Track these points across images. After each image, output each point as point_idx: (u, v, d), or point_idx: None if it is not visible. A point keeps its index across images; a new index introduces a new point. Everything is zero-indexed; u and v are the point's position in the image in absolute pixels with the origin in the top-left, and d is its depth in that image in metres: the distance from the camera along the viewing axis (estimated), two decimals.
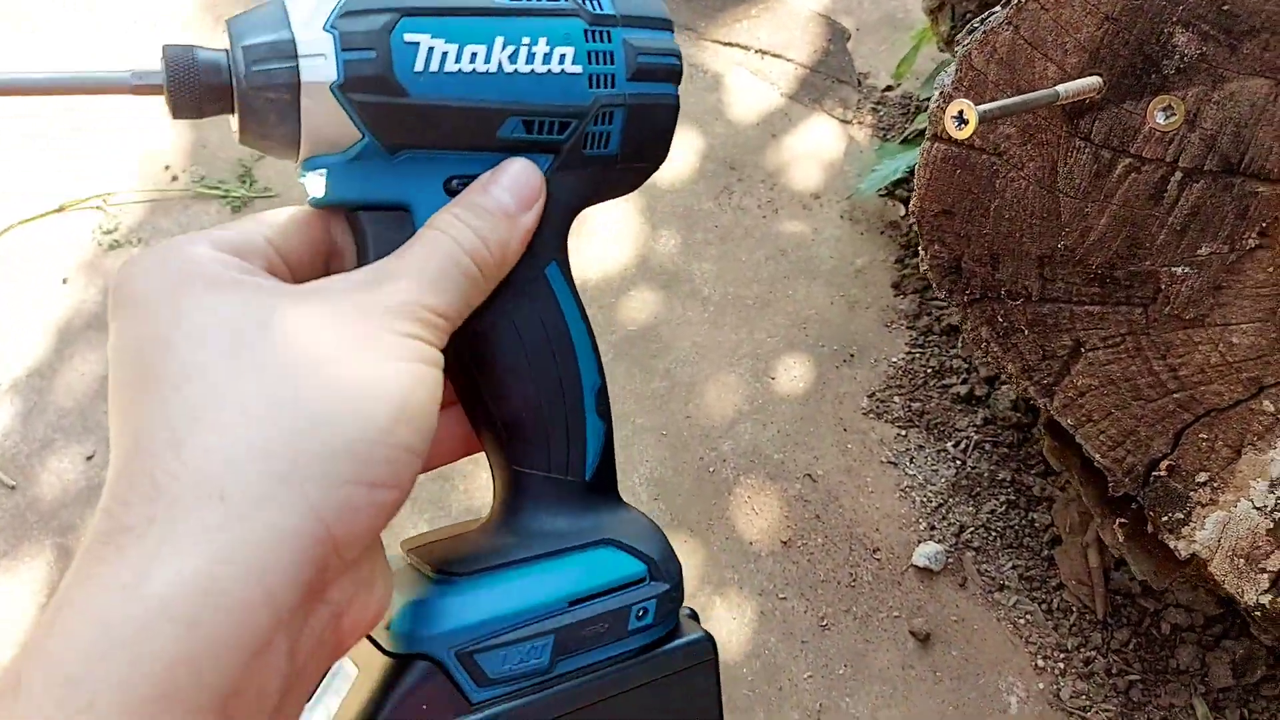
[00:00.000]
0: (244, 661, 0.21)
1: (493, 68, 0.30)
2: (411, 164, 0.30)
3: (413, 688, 0.29)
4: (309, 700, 0.31)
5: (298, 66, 0.28)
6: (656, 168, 0.36)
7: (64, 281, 1.52)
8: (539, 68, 0.31)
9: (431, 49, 0.29)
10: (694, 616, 0.37)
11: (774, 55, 1.73)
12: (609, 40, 0.32)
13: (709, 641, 0.35)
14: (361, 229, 0.31)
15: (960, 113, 0.60)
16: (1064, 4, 0.67)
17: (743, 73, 1.72)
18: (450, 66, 0.29)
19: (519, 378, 0.33)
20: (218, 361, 0.24)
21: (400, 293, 0.27)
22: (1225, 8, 0.62)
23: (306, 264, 0.31)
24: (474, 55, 0.30)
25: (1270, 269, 0.67)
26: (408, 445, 0.25)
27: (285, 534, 0.22)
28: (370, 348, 0.25)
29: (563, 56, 0.31)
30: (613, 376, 1.40)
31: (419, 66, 0.29)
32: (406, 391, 0.25)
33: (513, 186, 0.31)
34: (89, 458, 1.36)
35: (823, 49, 1.73)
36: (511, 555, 0.33)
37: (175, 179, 1.63)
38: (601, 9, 0.32)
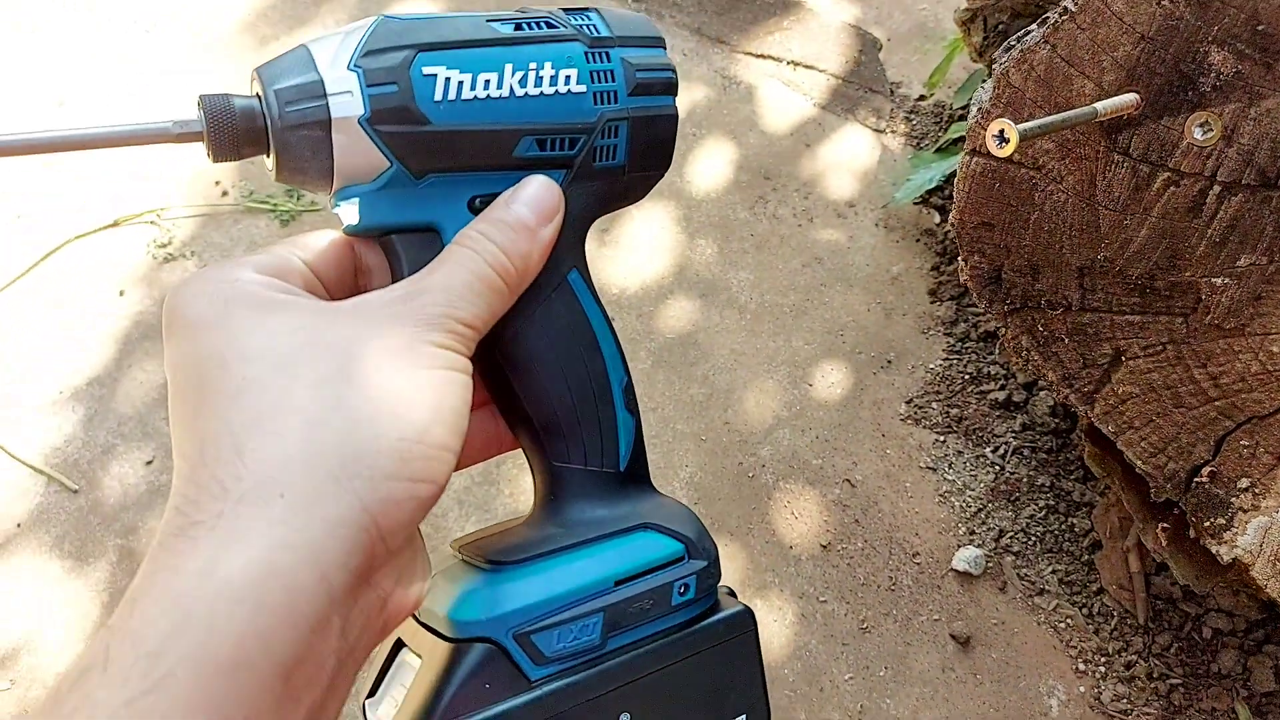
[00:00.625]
0: (303, 637, 0.24)
1: (505, 92, 0.33)
2: (437, 187, 0.33)
3: (475, 669, 0.32)
4: (373, 696, 0.34)
5: (327, 104, 0.31)
6: (662, 175, 0.38)
7: (120, 294, 1.57)
8: (547, 89, 0.33)
9: (448, 79, 0.32)
10: (731, 594, 0.39)
11: (806, 66, 1.75)
12: (608, 60, 0.35)
13: (749, 614, 0.37)
14: (394, 250, 0.34)
15: (1001, 132, 0.62)
16: (1100, 23, 0.69)
17: (775, 84, 1.74)
18: (466, 94, 0.32)
19: (551, 378, 0.35)
20: (270, 374, 0.26)
21: (431, 306, 0.30)
22: (1260, 28, 0.63)
23: (340, 282, 0.34)
24: (487, 82, 0.32)
25: None
26: (443, 444, 0.28)
27: (337, 525, 0.25)
28: (406, 358, 0.28)
29: (568, 78, 0.34)
30: (652, 383, 1.43)
31: (438, 96, 0.32)
32: (440, 396, 0.28)
33: (532, 202, 0.33)
34: (148, 462, 1.41)
35: (855, 59, 1.75)
36: (559, 543, 0.35)
37: (225, 194, 1.68)
38: (599, 32, 0.35)
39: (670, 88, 0.37)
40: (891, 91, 1.72)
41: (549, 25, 0.34)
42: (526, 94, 0.33)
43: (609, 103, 0.35)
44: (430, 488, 0.27)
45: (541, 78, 0.33)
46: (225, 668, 0.23)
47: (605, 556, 0.35)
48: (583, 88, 0.34)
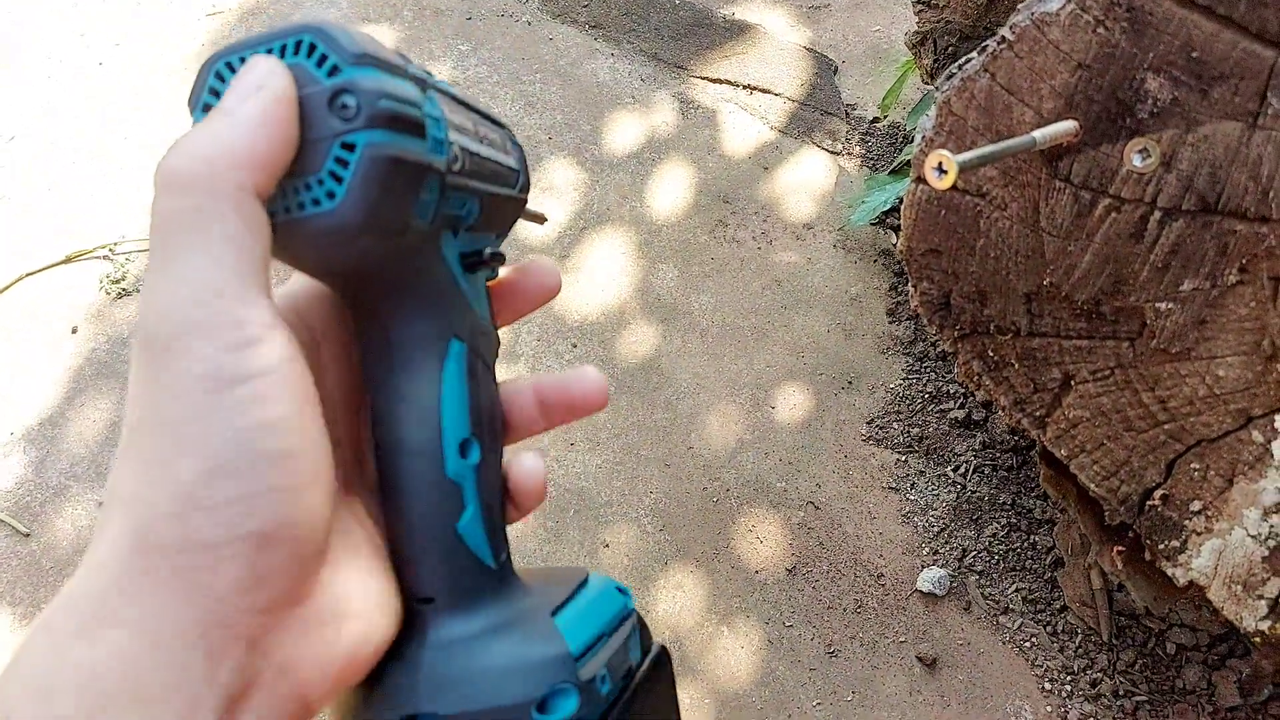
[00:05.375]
0: (158, 702, 0.22)
1: None
2: None
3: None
4: None
5: None
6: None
7: (73, 331, 1.54)
8: None
9: None
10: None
11: (763, 90, 1.76)
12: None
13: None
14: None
15: (940, 164, 0.62)
16: (1038, 51, 0.70)
17: (733, 108, 1.75)
18: None
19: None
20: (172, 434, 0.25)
21: None
22: (1194, 54, 0.64)
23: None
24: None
25: (1252, 304, 0.69)
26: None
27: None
28: None
29: None
30: (615, 409, 1.42)
31: None
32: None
33: None
34: (101, 504, 1.37)
35: (810, 82, 1.76)
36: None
37: None
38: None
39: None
40: (847, 114, 1.73)
41: None
42: None
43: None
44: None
45: None
46: None
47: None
48: None
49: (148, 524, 0.23)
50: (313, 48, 0.26)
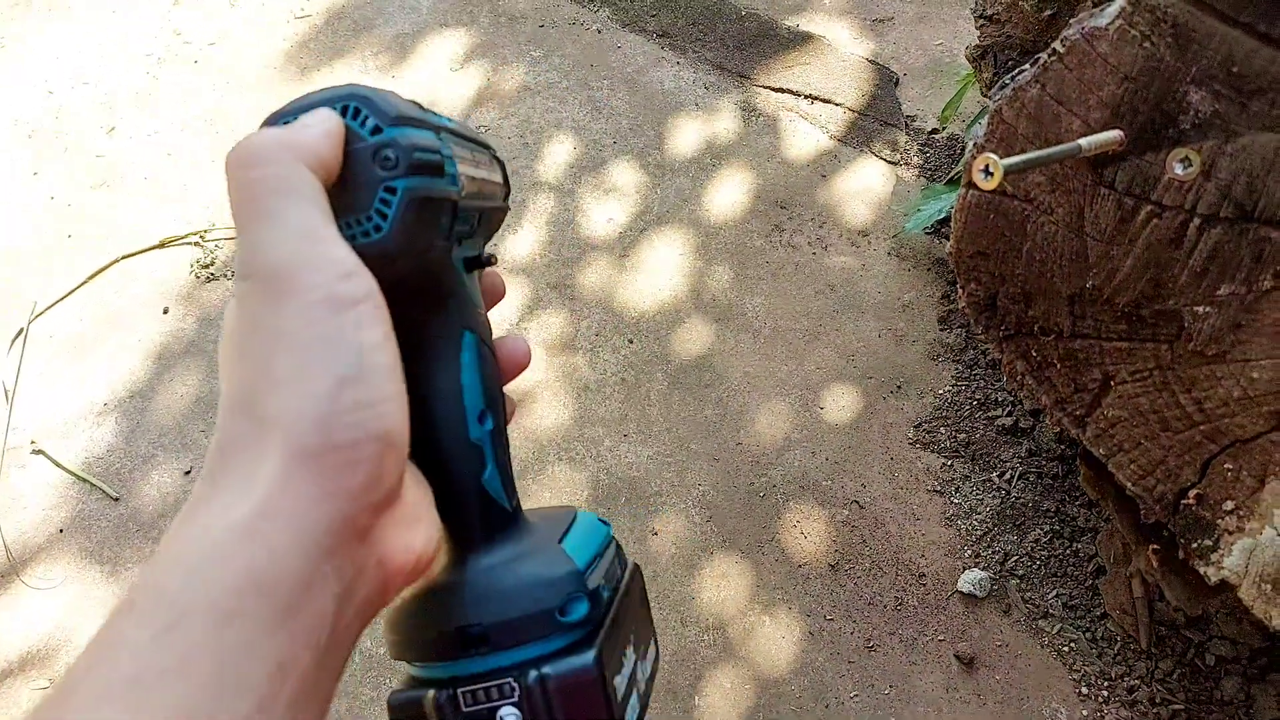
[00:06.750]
0: (297, 587, 0.27)
1: None
2: None
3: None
4: None
5: None
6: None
7: (165, 311, 1.65)
8: None
9: None
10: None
11: (824, 100, 1.80)
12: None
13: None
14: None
15: (986, 166, 0.66)
16: (1087, 64, 0.73)
17: (793, 117, 1.79)
18: None
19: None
20: (291, 345, 0.30)
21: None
22: (1234, 69, 0.67)
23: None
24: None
25: None
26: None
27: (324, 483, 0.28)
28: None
29: None
30: (668, 404, 1.47)
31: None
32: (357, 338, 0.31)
33: None
34: (186, 472, 1.47)
35: (871, 93, 1.80)
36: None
37: None
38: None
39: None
40: (906, 125, 1.76)
41: None
42: None
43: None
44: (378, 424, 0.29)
45: None
46: (228, 612, 0.25)
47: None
48: None
49: (296, 435, 0.28)
50: (358, 110, 0.32)
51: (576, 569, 0.35)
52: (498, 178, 0.41)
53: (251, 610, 0.26)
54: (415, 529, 0.32)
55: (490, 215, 0.40)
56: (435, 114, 0.37)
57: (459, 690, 0.33)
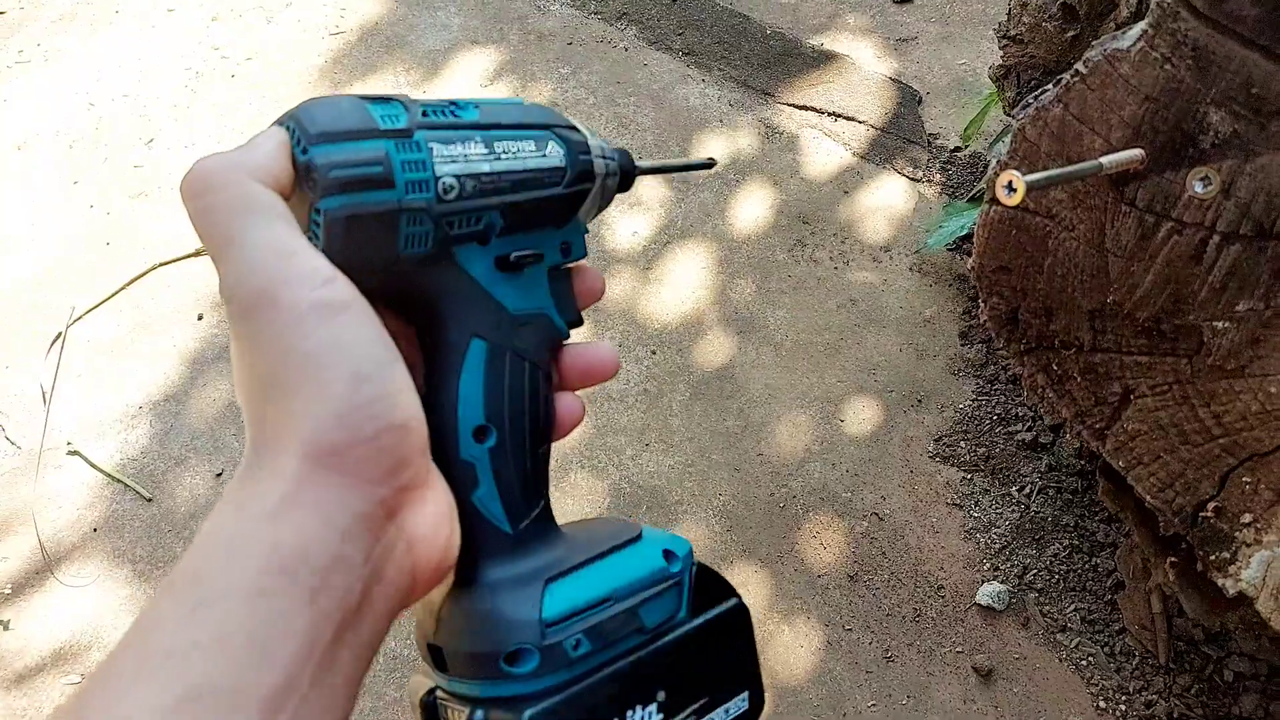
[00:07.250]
0: (325, 567, 0.28)
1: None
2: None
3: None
4: None
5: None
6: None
7: (199, 318, 1.69)
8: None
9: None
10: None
11: (846, 117, 1.83)
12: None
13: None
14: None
15: (1010, 182, 0.68)
16: (1109, 85, 0.75)
17: (816, 134, 1.82)
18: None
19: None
20: (313, 367, 0.30)
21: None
22: (1254, 90, 0.69)
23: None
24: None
25: None
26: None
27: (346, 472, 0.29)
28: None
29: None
30: (689, 415, 1.49)
31: None
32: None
33: None
34: (218, 475, 1.50)
35: (893, 111, 1.82)
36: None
37: None
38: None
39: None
40: (929, 143, 1.78)
41: None
42: None
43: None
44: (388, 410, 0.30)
45: None
46: (254, 591, 0.27)
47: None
48: None
49: (317, 433, 0.29)
50: (291, 130, 0.31)
51: (534, 619, 0.33)
52: (550, 162, 0.36)
53: (280, 589, 0.27)
54: (442, 515, 0.32)
55: (532, 207, 0.35)
56: (437, 107, 0.34)
57: (436, 696, 0.34)
